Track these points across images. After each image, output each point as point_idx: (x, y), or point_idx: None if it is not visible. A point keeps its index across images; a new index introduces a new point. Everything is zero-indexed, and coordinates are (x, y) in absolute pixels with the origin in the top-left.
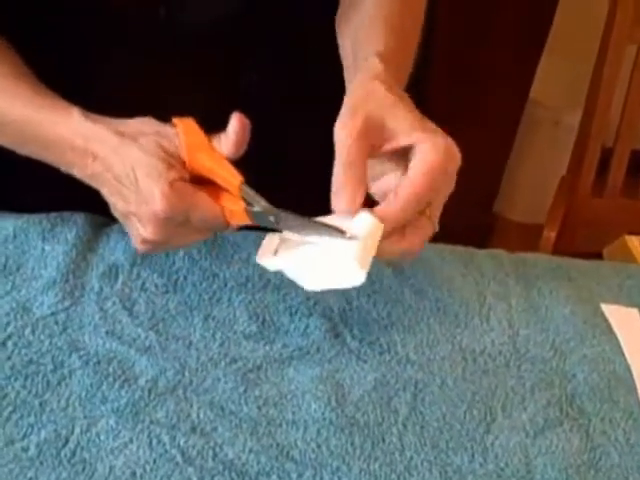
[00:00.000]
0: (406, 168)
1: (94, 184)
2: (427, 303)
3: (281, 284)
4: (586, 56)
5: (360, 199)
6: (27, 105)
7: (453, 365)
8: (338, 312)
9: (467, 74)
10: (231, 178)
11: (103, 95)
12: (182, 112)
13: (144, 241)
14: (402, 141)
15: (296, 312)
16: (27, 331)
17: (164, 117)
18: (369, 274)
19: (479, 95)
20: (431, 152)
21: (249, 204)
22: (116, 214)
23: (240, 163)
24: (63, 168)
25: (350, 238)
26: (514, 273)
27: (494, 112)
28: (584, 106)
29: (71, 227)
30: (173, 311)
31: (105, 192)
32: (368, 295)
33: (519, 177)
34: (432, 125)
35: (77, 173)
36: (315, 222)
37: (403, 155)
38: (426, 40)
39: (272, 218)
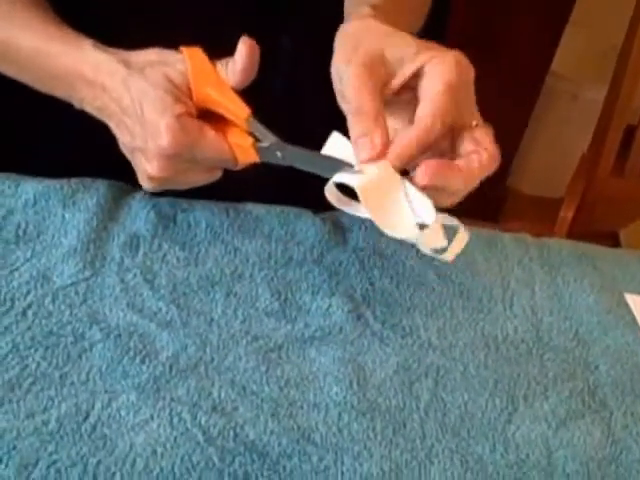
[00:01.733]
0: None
1: (103, 117)
2: (450, 286)
3: (303, 261)
4: (609, 31)
5: (383, 143)
6: (38, 35)
7: (475, 352)
8: (360, 292)
9: (486, 41)
10: (239, 111)
11: None
12: None
13: (150, 178)
14: (407, 69)
15: (318, 291)
16: (47, 300)
17: None
18: (392, 255)
19: (498, 64)
20: (442, 67)
21: (257, 139)
22: (123, 149)
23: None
24: (75, 102)
25: (358, 171)
26: (539, 259)
27: (513, 82)
28: (609, 83)
29: (92, 194)
30: (194, 285)
31: (112, 125)
32: (391, 276)
33: (534, 150)
34: (435, 44)
35: (87, 106)
36: (322, 156)
37: (410, 103)
38: (443, 4)
39: (279, 153)
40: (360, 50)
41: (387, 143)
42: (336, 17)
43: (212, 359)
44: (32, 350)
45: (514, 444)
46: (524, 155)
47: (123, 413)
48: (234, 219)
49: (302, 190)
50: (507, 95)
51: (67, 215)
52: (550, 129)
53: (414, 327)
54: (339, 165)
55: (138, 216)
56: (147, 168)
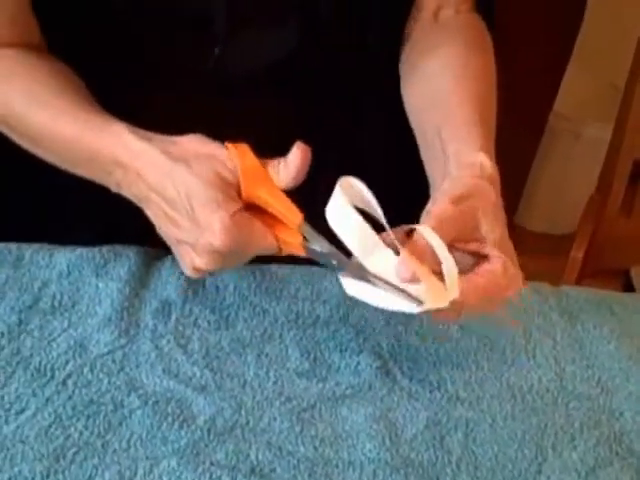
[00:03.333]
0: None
1: (140, 204)
2: (474, 339)
3: (330, 319)
4: (610, 69)
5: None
6: (74, 122)
7: (502, 403)
8: (387, 349)
9: None
10: (291, 216)
11: None
12: None
13: (197, 269)
14: (485, 250)
15: (346, 349)
16: (86, 370)
17: None
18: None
19: (502, 105)
20: (501, 273)
21: (307, 240)
22: (163, 236)
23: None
24: (112, 187)
25: (415, 302)
26: (557, 307)
27: (517, 123)
28: (614, 122)
29: (123, 263)
30: (227, 348)
31: (151, 214)
32: (416, 331)
33: (539, 188)
34: (513, 251)
35: (123, 191)
36: (380, 280)
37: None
38: None
39: (335, 262)
40: (461, 205)
41: None
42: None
43: (248, 421)
44: (74, 420)
45: None
46: (530, 193)
47: (165, 479)
48: (261, 281)
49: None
50: (512, 135)
51: (100, 284)
52: (554, 168)
53: (441, 381)
54: (393, 291)
55: (168, 282)
56: (196, 261)
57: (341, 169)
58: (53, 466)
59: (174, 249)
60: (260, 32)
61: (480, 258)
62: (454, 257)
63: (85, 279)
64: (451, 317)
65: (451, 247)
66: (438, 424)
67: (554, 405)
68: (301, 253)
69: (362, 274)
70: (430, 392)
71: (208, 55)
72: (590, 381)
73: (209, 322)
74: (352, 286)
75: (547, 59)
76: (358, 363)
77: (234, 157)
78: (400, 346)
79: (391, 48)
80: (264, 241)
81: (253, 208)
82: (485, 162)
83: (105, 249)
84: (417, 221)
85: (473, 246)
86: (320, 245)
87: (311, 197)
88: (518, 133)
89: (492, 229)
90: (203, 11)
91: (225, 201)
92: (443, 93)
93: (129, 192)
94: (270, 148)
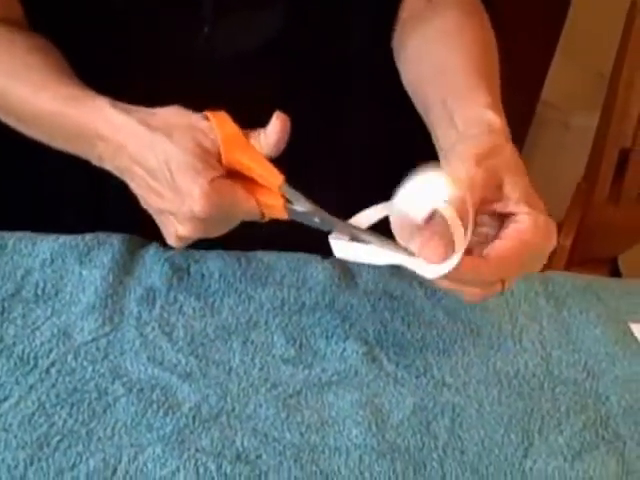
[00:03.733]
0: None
1: (123, 176)
2: (460, 325)
3: (316, 306)
4: (597, 58)
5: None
6: (56, 97)
7: (489, 388)
8: (373, 335)
9: None
10: (271, 178)
11: None
12: None
13: (180, 238)
14: (510, 208)
15: (332, 335)
16: (69, 358)
17: None
18: (401, 296)
19: None
20: (530, 228)
21: (289, 202)
22: (147, 208)
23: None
24: (93, 160)
25: (409, 253)
26: (544, 292)
27: (505, 113)
28: (601, 110)
29: (107, 250)
30: (212, 335)
31: (134, 186)
32: (402, 317)
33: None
34: (539, 200)
35: (105, 164)
36: (364, 230)
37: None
38: None
39: (317, 219)
40: (482, 167)
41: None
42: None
43: (233, 408)
44: (58, 408)
45: (532, 479)
46: None
47: (150, 466)
48: (246, 268)
49: (309, 233)
50: None
51: (84, 272)
52: (543, 157)
53: (427, 367)
54: (386, 243)
55: (153, 269)
56: (178, 229)
57: (328, 150)
58: (37, 454)
59: (157, 219)
60: (247, 12)
61: (506, 218)
62: (483, 222)
63: (68, 267)
64: (490, 292)
65: (478, 210)
66: (424, 409)
67: (540, 390)
68: (284, 216)
69: (353, 233)
70: (416, 378)
71: (196, 37)
72: (576, 366)
73: (194, 309)
74: (342, 247)
75: (534, 49)
76: (344, 349)
77: (214, 125)
78: (386, 332)
79: (380, 29)
80: (246, 205)
81: (234, 175)
82: (493, 118)
83: (88, 237)
84: None
85: (498, 206)
86: (302, 205)
87: (298, 180)
88: (506, 123)
89: (514, 185)
90: None
91: (205, 168)
92: (442, 62)
93: (112, 165)
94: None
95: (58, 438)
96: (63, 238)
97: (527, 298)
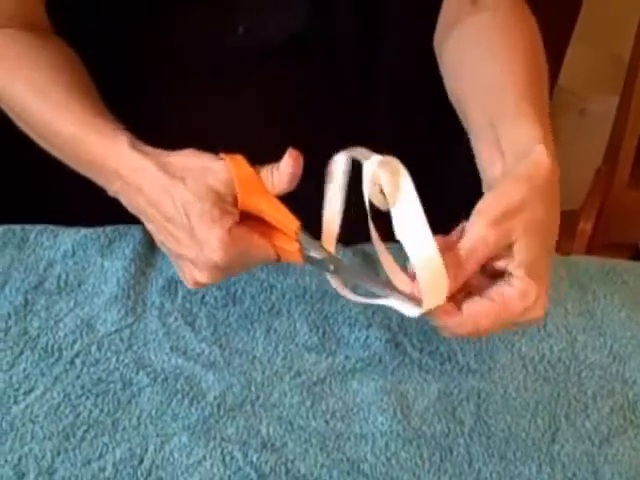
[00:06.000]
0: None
1: (139, 216)
2: None
3: (338, 294)
4: (614, 43)
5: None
6: (77, 123)
7: (514, 373)
8: (396, 322)
9: None
10: (288, 223)
11: (171, 114)
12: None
13: (197, 283)
14: (509, 267)
15: (355, 323)
16: (93, 349)
17: (234, 138)
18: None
19: None
20: (516, 296)
21: (305, 247)
22: (164, 250)
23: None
24: (109, 192)
25: (414, 302)
26: (568, 276)
27: None
28: (620, 95)
29: (128, 241)
30: (234, 324)
31: (151, 227)
32: None
33: None
34: (543, 266)
35: (123, 202)
36: (379, 280)
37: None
38: None
39: (332, 267)
40: (503, 226)
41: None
42: None
43: (258, 397)
44: (83, 398)
45: (560, 463)
46: None
47: (176, 455)
48: None
49: None
50: None
51: (106, 263)
52: (560, 143)
53: (452, 353)
54: (394, 293)
55: None
56: (196, 276)
57: (350, 144)
58: (63, 444)
59: (174, 262)
60: (276, 9)
61: (505, 276)
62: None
63: (90, 259)
64: (462, 333)
65: (483, 264)
66: (450, 396)
67: (566, 374)
68: (299, 261)
69: (364, 283)
70: (441, 364)
71: (229, 37)
72: (602, 350)
73: (216, 299)
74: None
75: (550, 33)
76: (367, 336)
77: (230, 168)
78: (409, 319)
79: (414, 33)
80: (263, 252)
81: (250, 217)
82: (541, 156)
83: (109, 229)
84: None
85: (502, 263)
86: (317, 252)
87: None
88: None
89: (524, 249)
90: None
91: (221, 216)
92: (492, 77)
93: (128, 204)
94: (287, 120)
95: (84, 428)
96: (84, 230)
97: (551, 282)
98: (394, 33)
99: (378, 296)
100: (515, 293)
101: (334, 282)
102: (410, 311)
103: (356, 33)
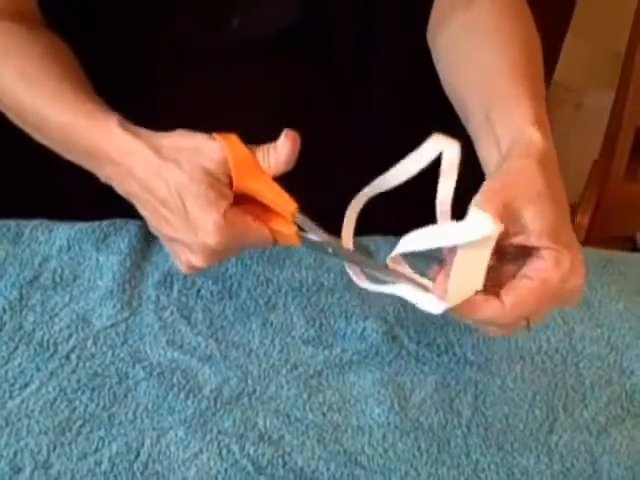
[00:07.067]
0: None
1: (131, 200)
2: None
3: (335, 287)
4: (609, 37)
5: None
6: (68, 110)
7: (511, 365)
8: (393, 314)
9: None
10: (285, 205)
11: (166, 108)
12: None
13: (192, 267)
14: (532, 241)
15: (352, 315)
16: (89, 343)
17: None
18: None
19: None
20: (551, 267)
21: (302, 229)
22: (157, 234)
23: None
24: (101, 178)
25: (420, 287)
26: None
27: None
28: (616, 88)
29: (124, 236)
30: (231, 318)
31: (144, 212)
32: None
33: None
34: (566, 234)
35: (114, 185)
36: (380, 267)
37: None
38: None
39: (330, 250)
40: (498, 199)
41: None
42: None
43: (254, 390)
44: (79, 393)
45: (558, 454)
46: None
47: (173, 449)
48: (263, 250)
49: (326, 215)
50: None
51: (101, 258)
52: (556, 138)
53: (449, 344)
54: (393, 276)
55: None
56: (191, 259)
57: (343, 149)
58: (59, 439)
59: (168, 246)
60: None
61: (530, 252)
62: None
63: (85, 253)
64: (512, 329)
65: (497, 245)
66: (447, 387)
67: (564, 365)
68: (297, 244)
69: (363, 264)
70: (438, 355)
71: (223, 30)
72: (599, 340)
73: (212, 292)
74: (361, 280)
75: (546, 28)
76: (364, 329)
77: (223, 148)
78: (406, 311)
79: (407, 27)
80: (259, 235)
81: (245, 198)
82: (534, 137)
83: (105, 223)
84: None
85: (519, 239)
86: (316, 234)
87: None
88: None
89: (535, 218)
90: None
91: (217, 199)
92: (485, 65)
93: (120, 188)
94: (284, 115)
95: (80, 423)
96: (79, 225)
97: None
98: (390, 28)
99: (387, 283)
100: (548, 263)
101: (351, 271)
102: (433, 306)
103: (352, 29)
